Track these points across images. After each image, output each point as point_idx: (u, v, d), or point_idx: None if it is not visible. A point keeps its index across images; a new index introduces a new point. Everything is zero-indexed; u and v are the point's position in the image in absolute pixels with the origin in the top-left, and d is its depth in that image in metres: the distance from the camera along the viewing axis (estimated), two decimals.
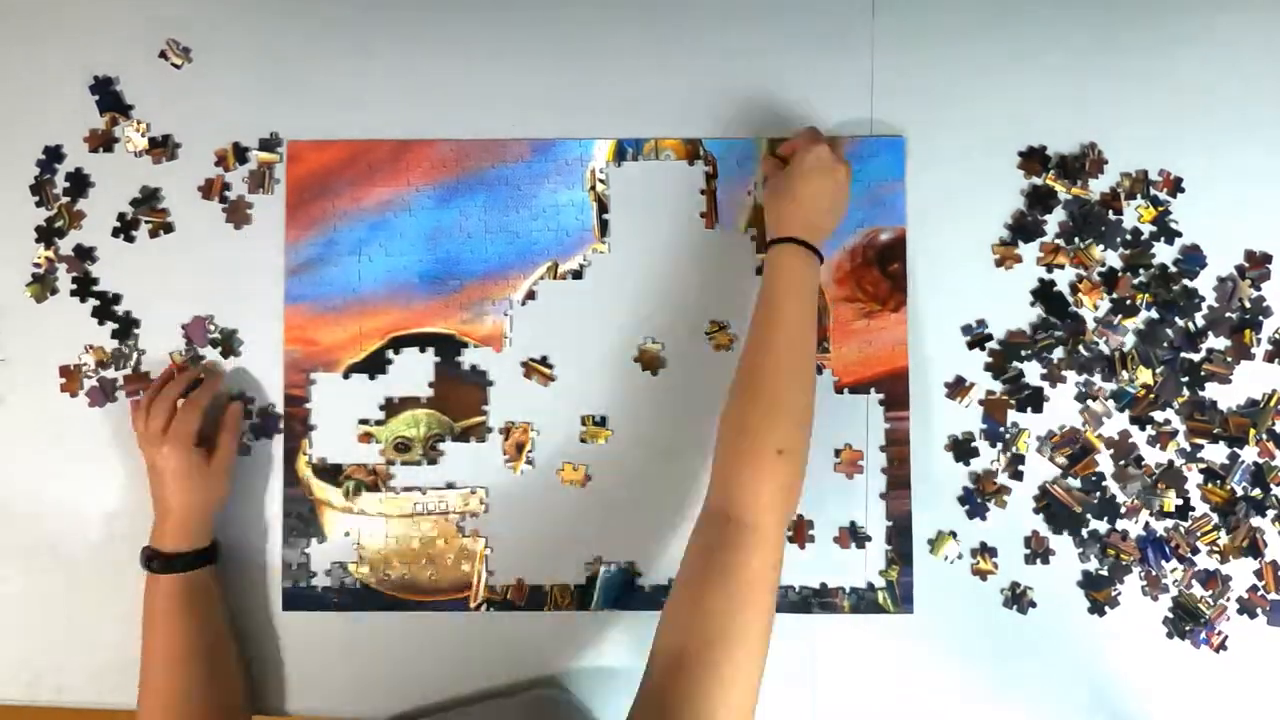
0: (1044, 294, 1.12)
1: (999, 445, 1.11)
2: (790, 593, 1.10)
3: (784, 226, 1.02)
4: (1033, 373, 1.11)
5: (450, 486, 1.12)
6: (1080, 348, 1.11)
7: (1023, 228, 1.12)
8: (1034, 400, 1.11)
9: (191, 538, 1.04)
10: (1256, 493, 1.09)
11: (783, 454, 0.92)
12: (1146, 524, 1.10)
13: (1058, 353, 1.11)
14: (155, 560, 1.03)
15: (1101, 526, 1.09)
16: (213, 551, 1.06)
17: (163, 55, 1.16)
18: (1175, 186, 1.12)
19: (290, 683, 1.10)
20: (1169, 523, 1.10)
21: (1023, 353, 1.11)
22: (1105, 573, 1.09)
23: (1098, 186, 1.12)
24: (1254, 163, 1.12)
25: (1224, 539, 1.09)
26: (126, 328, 1.14)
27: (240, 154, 1.15)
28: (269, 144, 1.14)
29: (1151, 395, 1.10)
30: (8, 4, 1.17)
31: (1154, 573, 1.09)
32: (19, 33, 1.16)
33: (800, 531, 1.11)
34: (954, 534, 1.10)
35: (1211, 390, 1.10)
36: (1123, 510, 1.10)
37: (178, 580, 1.03)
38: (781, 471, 0.92)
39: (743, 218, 1.14)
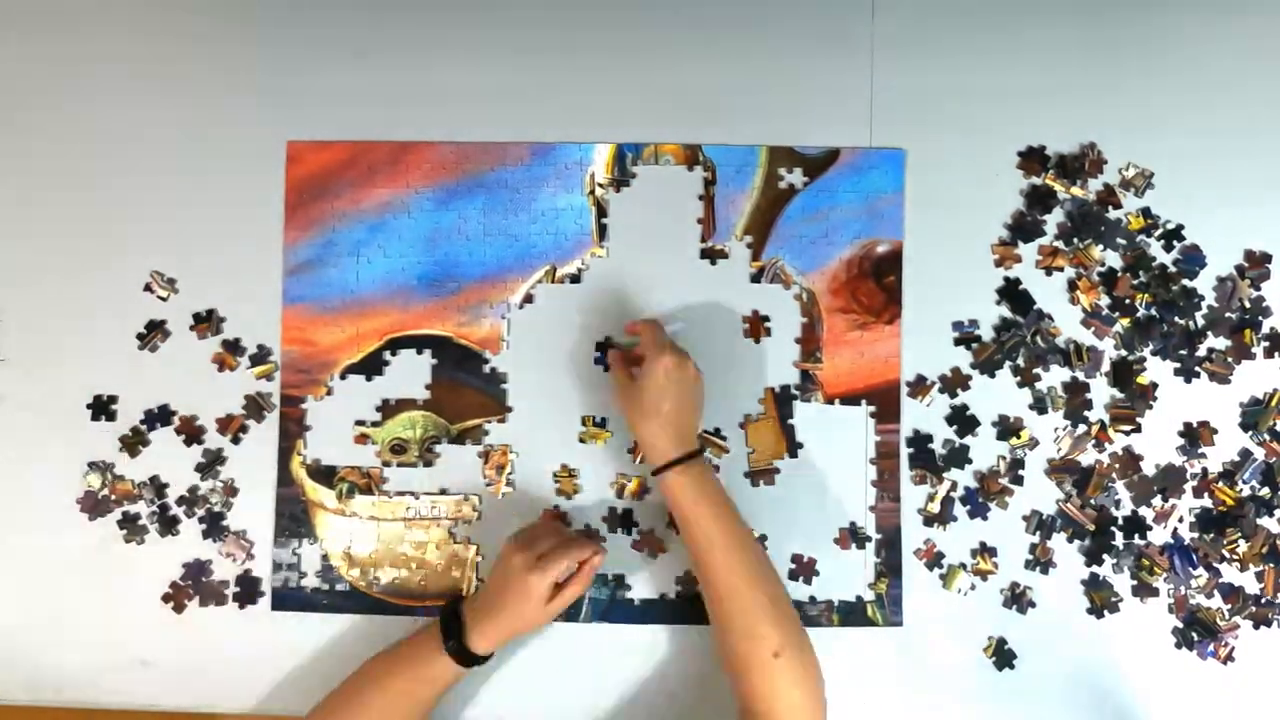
0: (1009, 293, 1.12)
1: (1005, 443, 1.11)
2: None
3: (659, 451, 1.01)
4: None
5: (444, 492, 1.12)
6: (1038, 339, 1.11)
7: (1022, 228, 1.12)
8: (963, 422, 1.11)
9: (492, 647, 1.02)
10: (1265, 492, 1.09)
11: (779, 655, 0.95)
12: (1174, 530, 1.09)
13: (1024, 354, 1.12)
14: (463, 655, 1.00)
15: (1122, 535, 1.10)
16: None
17: None
18: (1175, 186, 1.12)
19: (275, 683, 1.10)
20: (1195, 533, 1.09)
21: (995, 357, 1.11)
22: (1135, 583, 1.09)
23: (1097, 186, 1.12)
24: (1254, 162, 1.12)
25: (1243, 546, 1.09)
26: None
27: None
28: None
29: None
30: None
31: (1181, 587, 1.09)
32: None
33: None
34: (964, 565, 1.10)
35: (1212, 390, 1.10)
36: (1149, 519, 1.09)
37: (454, 669, 1.01)
38: (787, 669, 0.95)
39: (740, 225, 1.13)
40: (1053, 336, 1.11)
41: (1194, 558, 1.09)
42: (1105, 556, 1.09)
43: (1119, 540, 1.09)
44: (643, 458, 1.10)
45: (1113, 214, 1.12)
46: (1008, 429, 1.10)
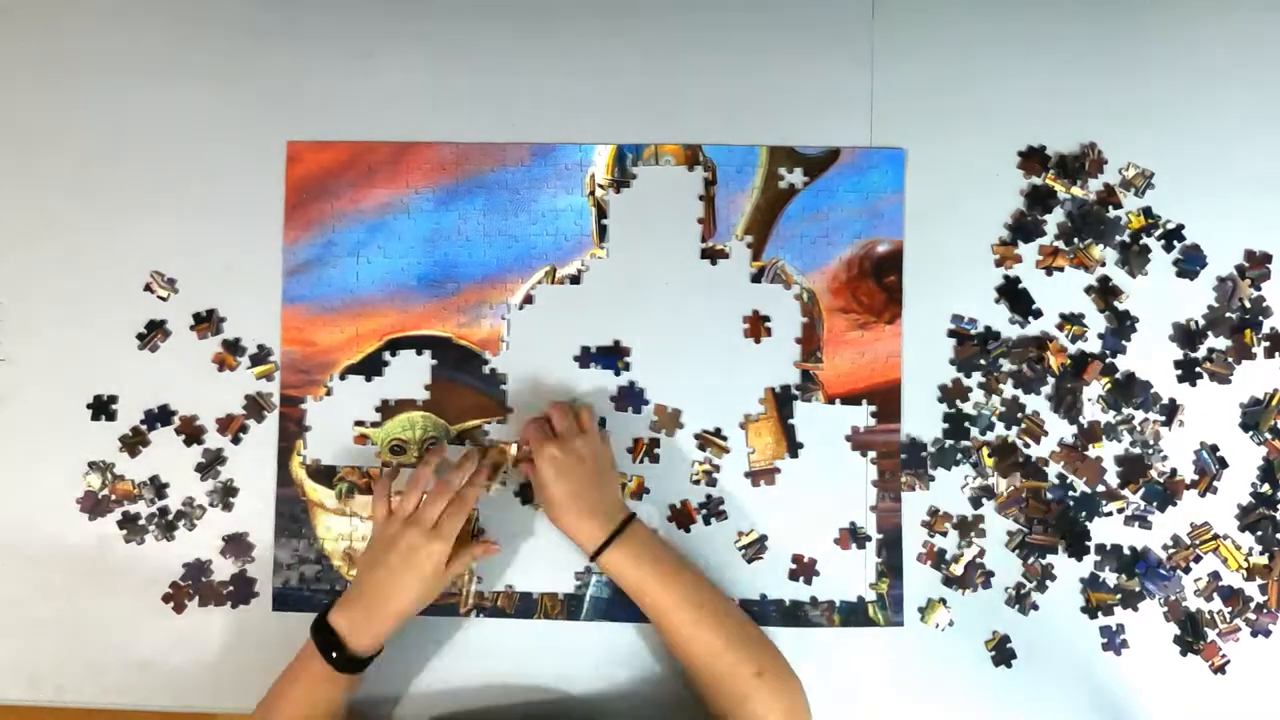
0: (1009, 292, 1.12)
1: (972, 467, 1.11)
2: (780, 606, 1.10)
3: (587, 537, 1.01)
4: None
5: None
6: (1024, 367, 1.11)
7: (1022, 228, 1.12)
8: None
9: (383, 641, 1.00)
10: (1266, 488, 1.09)
11: (762, 674, 0.97)
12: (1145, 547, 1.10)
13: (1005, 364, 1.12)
14: (339, 657, 0.96)
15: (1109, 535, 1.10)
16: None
17: None
18: (1176, 187, 1.12)
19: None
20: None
21: (980, 361, 1.11)
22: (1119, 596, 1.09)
23: (1097, 186, 1.12)
24: (1254, 162, 1.12)
25: (1255, 558, 1.09)
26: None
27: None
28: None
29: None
30: None
31: (1171, 595, 1.09)
32: None
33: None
34: (944, 600, 1.10)
35: (1213, 391, 1.10)
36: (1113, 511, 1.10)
37: (345, 681, 0.98)
38: (773, 684, 0.97)
39: (741, 224, 1.13)
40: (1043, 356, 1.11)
41: (1164, 570, 1.09)
42: (1087, 558, 1.10)
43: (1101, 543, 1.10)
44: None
45: (1113, 213, 1.12)
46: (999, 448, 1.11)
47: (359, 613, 0.98)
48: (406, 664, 1.10)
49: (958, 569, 1.09)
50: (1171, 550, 1.09)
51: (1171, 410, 1.10)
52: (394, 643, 1.04)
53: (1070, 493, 1.10)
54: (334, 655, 0.97)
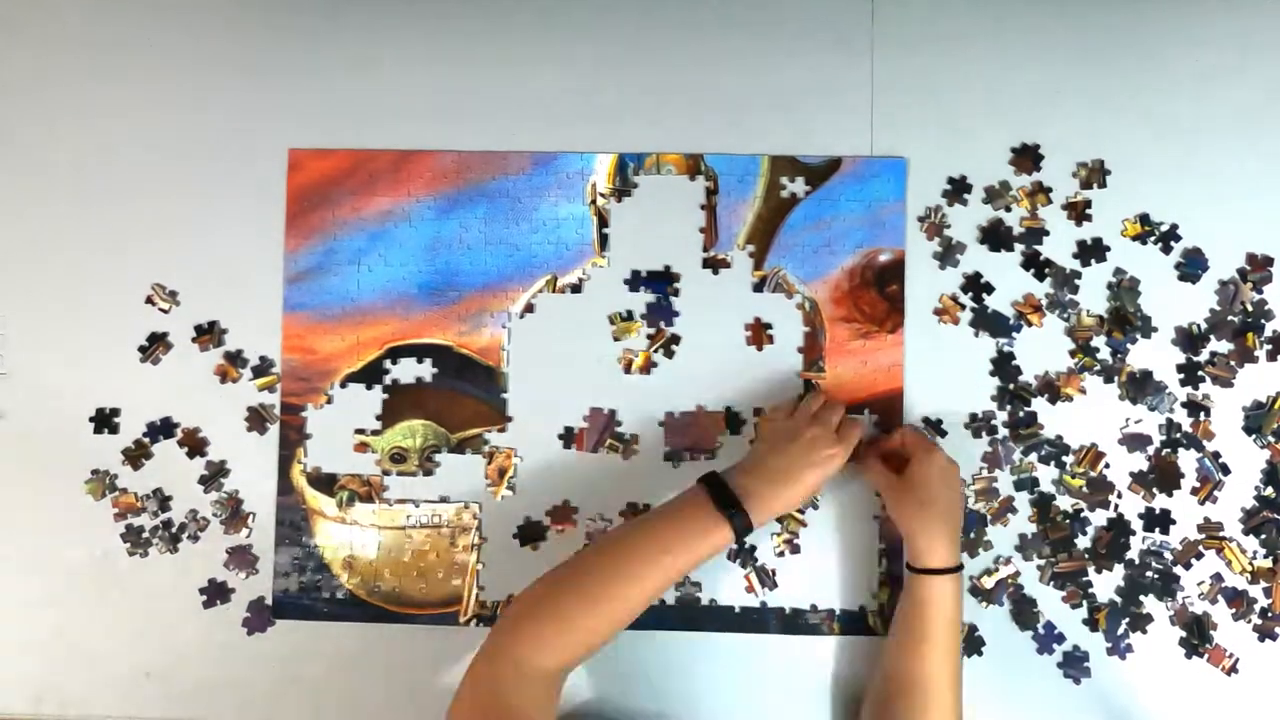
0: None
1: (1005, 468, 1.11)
2: (779, 613, 1.10)
3: (939, 552, 0.99)
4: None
5: (444, 500, 1.12)
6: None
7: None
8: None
9: (765, 522, 0.97)
10: (1270, 492, 1.09)
11: None
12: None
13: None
14: (745, 530, 0.94)
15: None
16: None
17: None
18: (1176, 191, 1.12)
19: (277, 692, 1.09)
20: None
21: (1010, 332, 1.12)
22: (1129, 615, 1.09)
23: (1100, 193, 1.12)
24: (1255, 165, 1.12)
25: (1259, 561, 1.08)
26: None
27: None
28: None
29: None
30: None
31: (1180, 603, 1.09)
32: None
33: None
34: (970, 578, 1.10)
35: (1216, 394, 1.10)
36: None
37: (727, 544, 0.96)
38: None
39: (743, 234, 1.13)
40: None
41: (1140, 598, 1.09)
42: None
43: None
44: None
45: (1112, 220, 1.12)
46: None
47: (760, 482, 0.97)
48: (406, 672, 1.09)
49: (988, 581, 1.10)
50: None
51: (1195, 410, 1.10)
52: (394, 649, 1.04)
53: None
54: (736, 516, 0.94)
